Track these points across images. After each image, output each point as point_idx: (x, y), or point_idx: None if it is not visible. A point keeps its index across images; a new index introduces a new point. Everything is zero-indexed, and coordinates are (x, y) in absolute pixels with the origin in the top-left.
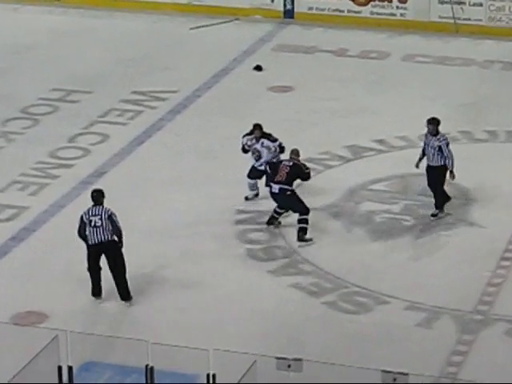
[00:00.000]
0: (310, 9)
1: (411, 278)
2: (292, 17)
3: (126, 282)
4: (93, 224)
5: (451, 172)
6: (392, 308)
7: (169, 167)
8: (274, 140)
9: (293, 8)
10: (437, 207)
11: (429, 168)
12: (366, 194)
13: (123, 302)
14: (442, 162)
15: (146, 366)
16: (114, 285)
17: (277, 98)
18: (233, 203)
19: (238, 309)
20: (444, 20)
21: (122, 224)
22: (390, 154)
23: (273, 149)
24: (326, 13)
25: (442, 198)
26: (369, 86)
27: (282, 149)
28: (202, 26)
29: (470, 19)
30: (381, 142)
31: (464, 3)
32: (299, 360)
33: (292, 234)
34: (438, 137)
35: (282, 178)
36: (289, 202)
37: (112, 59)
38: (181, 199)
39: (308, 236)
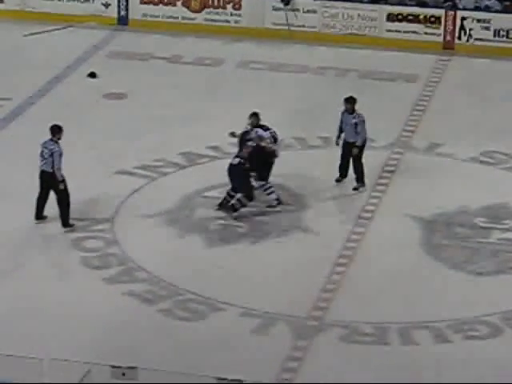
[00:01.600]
0: (145, 15)
1: (246, 284)
2: (126, 24)
3: (67, 212)
4: (42, 154)
5: (356, 147)
6: (227, 315)
7: (0, 176)
8: (267, 129)
9: (127, 15)
10: (358, 181)
11: (347, 144)
12: (201, 200)
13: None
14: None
15: None
16: None
17: (111, 106)
18: None
19: (72, 317)
20: (278, 27)
21: None
22: (225, 160)
23: (268, 140)
24: (161, 19)
25: (362, 172)
26: (203, 92)
27: (275, 139)
28: (36, 33)
29: (304, 26)
30: (215, 148)
31: (298, 10)
32: (134, 368)
33: (126, 242)
34: (354, 115)
35: (244, 154)
36: (239, 176)
37: None
38: (12, 208)
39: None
